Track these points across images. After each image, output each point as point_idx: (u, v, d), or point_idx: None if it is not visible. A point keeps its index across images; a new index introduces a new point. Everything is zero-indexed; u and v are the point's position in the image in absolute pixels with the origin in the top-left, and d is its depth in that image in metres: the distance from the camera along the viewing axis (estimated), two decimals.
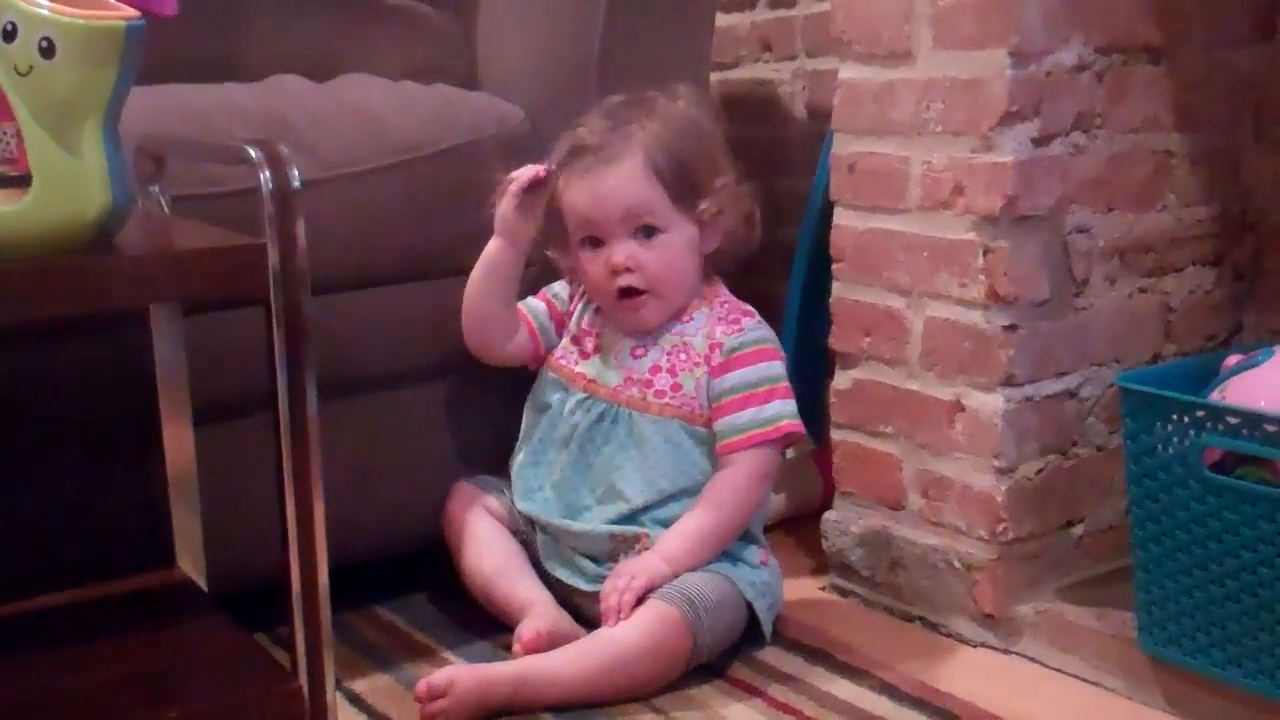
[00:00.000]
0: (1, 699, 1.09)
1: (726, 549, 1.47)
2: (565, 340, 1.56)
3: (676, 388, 1.49)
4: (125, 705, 1.08)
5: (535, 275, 1.58)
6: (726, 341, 1.49)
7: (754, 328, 1.51)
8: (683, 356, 1.50)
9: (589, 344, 1.54)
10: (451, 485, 1.57)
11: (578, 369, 1.53)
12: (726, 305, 1.53)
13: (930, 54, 1.45)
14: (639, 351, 1.52)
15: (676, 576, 1.42)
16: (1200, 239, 1.58)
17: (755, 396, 1.48)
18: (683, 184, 1.48)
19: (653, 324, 1.51)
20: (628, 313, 1.51)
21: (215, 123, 1.39)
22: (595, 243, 1.50)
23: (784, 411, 1.48)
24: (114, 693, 1.09)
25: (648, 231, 1.48)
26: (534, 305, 1.58)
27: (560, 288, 1.60)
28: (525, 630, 1.40)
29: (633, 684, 1.37)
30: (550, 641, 1.39)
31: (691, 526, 1.46)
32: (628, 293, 1.49)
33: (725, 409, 1.48)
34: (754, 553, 1.50)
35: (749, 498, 1.48)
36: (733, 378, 1.48)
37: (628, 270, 1.48)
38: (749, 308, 1.54)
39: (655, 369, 1.50)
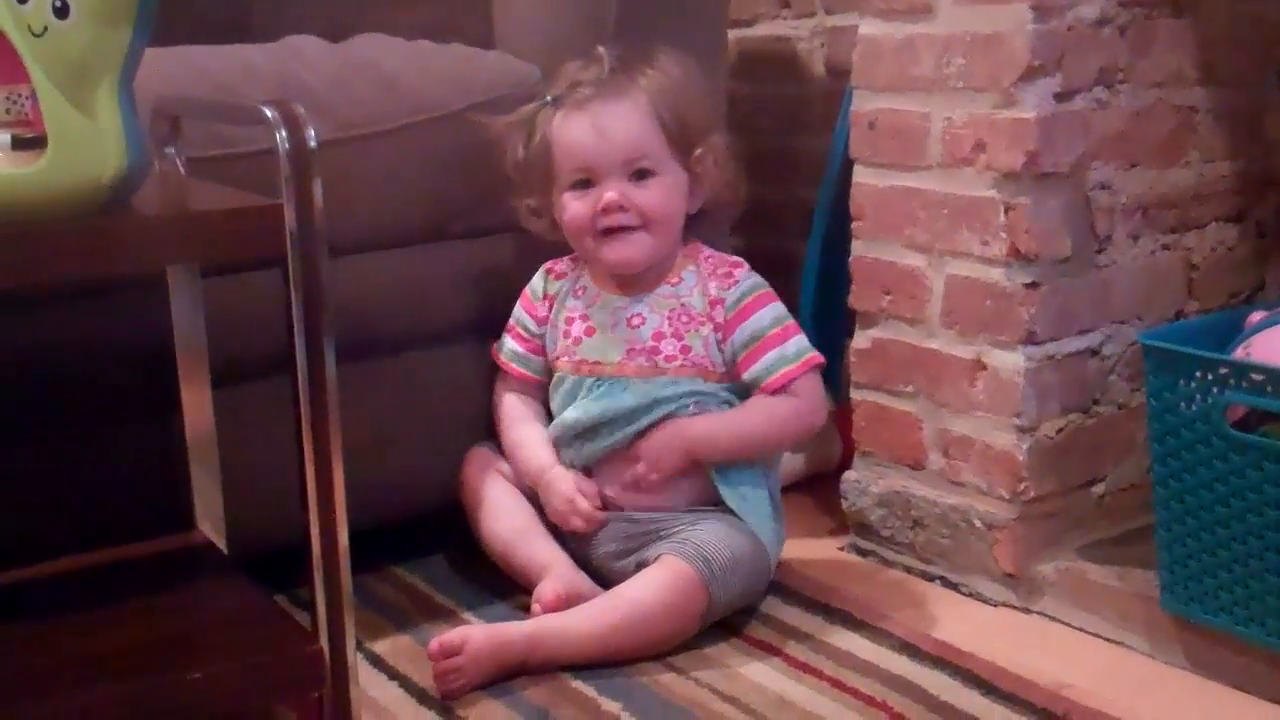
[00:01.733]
0: (23, 662, 1.09)
1: (757, 487, 1.48)
2: (557, 337, 1.53)
3: (686, 350, 1.48)
4: (146, 667, 1.08)
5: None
6: (728, 296, 1.48)
7: (747, 276, 1.50)
8: (684, 318, 1.49)
9: (579, 328, 1.52)
10: (469, 448, 1.57)
11: (577, 356, 1.51)
12: (712, 260, 1.52)
13: (950, 8, 1.44)
14: (636, 320, 1.50)
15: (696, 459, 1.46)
16: (1223, 195, 1.57)
17: (774, 338, 1.47)
18: (681, 132, 1.47)
19: (638, 261, 1.48)
20: (612, 247, 1.47)
21: (230, 84, 1.39)
22: (584, 184, 1.47)
23: (804, 346, 1.48)
24: (135, 655, 1.10)
25: (640, 175, 1.46)
26: (515, 352, 1.56)
27: (532, 288, 1.57)
28: (545, 591, 1.40)
29: (648, 642, 1.37)
30: (569, 602, 1.39)
31: (736, 424, 1.47)
32: (612, 230, 1.47)
33: (751, 358, 1.47)
34: (775, 491, 1.51)
35: (804, 423, 1.49)
36: (749, 327, 1.47)
37: (620, 209, 1.46)
38: (736, 259, 1.53)
39: (659, 335, 1.48)
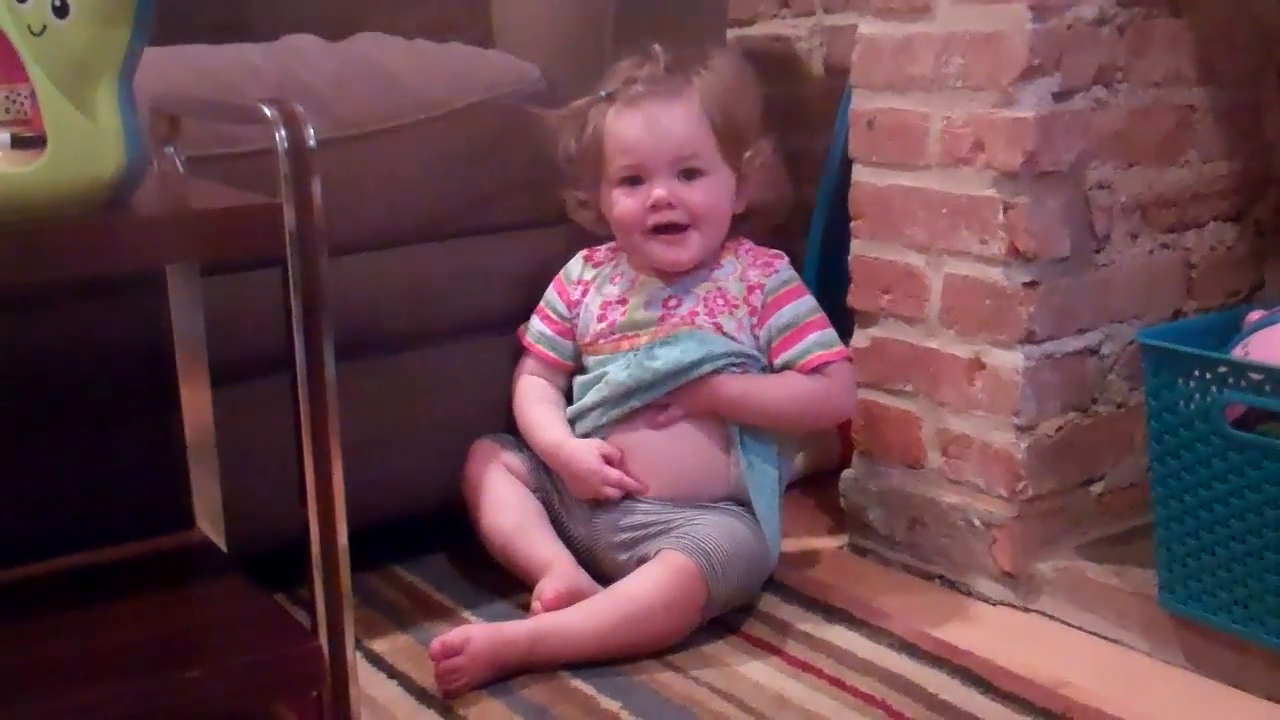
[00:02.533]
0: (23, 660, 1.09)
1: (767, 473, 1.49)
2: (590, 321, 1.54)
3: (718, 328, 1.49)
4: (146, 666, 1.08)
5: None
6: (768, 282, 1.50)
7: (786, 268, 1.53)
8: (720, 301, 1.50)
9: (616, 310, 1.53)
10: (470, 446, 1.56)
11: (617, 334, 1.52)
12: (752, 252, 1.54)
13: (950, 8, 1.44)
14: (672, 302, 1.51)
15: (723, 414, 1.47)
16: (1222, 194, 1.57)
17: (811, 325, 1.50)
18: (731, 133, 1.49)
19: (688, 261, 1.50)
20: (662, 247, 1.50)
21: (230, 82, 1.39)
22: (634, 180, 1.49)
23: (837, 338, 1.51)
24: (135, 653, 1.10)
25: (689, 174, 1.48)
26: (543, 334, 1.57)
27: (567, 271, 1.58)
28: (545, 589, 1.40)
29: (648, 638, 1.37)
30: (570, 600, 1.39)
31: (769, 389, 1.49)
32: (663, 229, 1.49)
33: (788, 342, 1.49)
34: (782, 481, 1.52)
35: (835, 405, 1.52)
36: (787, 313, 1.50)
37: (669, 206, 1.47)
38: (777, 251, 1.55)
39: (693, 314, 1.50)
